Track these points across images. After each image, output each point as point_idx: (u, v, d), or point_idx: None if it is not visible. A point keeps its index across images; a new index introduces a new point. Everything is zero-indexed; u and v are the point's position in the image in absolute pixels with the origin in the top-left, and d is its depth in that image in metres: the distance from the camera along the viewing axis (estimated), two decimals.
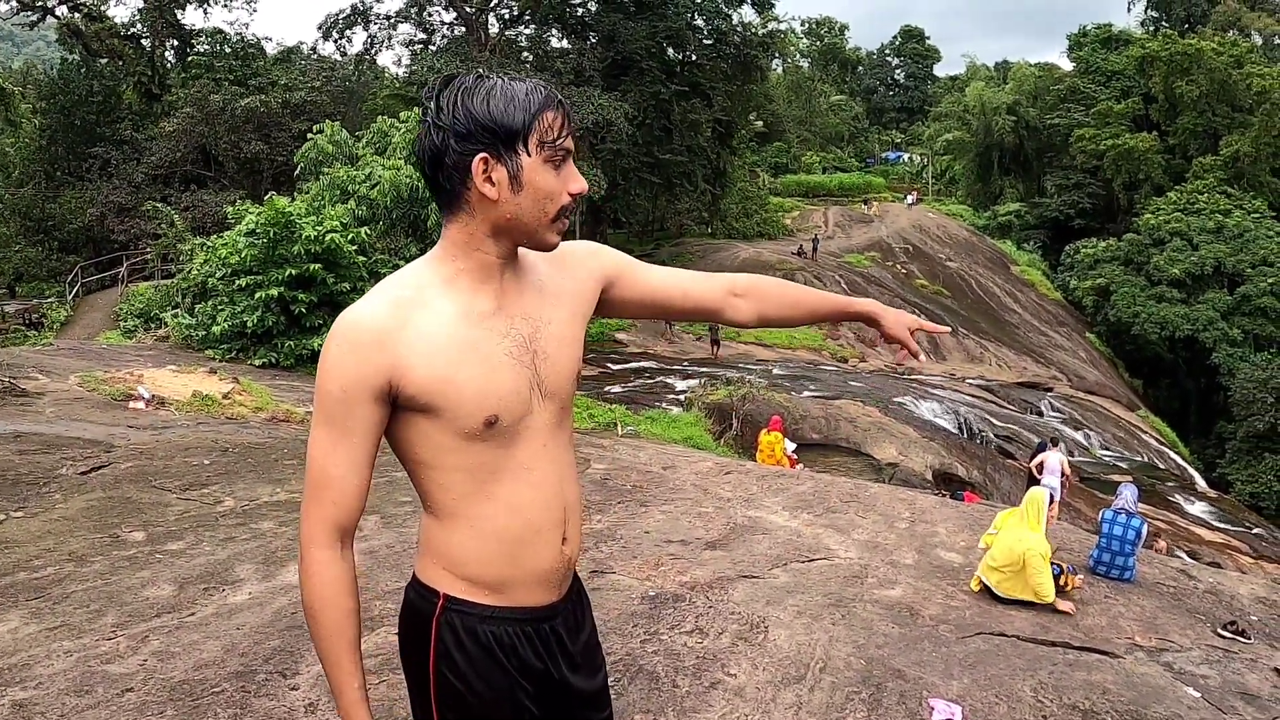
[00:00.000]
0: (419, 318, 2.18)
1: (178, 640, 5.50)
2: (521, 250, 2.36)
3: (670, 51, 52.44)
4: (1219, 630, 8.55)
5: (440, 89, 2.21)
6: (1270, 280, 59.29)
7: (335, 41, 52.48)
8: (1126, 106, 74.77)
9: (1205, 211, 64.16)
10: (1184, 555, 22.49)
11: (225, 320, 21.19)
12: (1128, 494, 10.06)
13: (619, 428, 20.60)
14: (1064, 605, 8.08)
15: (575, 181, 2.26)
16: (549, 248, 2.30)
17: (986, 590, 8.32)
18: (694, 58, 53.43)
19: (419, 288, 2.23)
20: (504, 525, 2.28)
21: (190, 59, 52.40)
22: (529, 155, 2.17)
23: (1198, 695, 6.91)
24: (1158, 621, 8.54)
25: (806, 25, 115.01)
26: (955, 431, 33.09)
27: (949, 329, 2.01)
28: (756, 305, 2.74)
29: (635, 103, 47.65)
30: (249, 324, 20.91)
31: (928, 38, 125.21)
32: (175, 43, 53.95)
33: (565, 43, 52.41)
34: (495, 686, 2.30)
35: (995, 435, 34.68)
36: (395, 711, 4.63)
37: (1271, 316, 58.91)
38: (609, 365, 35.83)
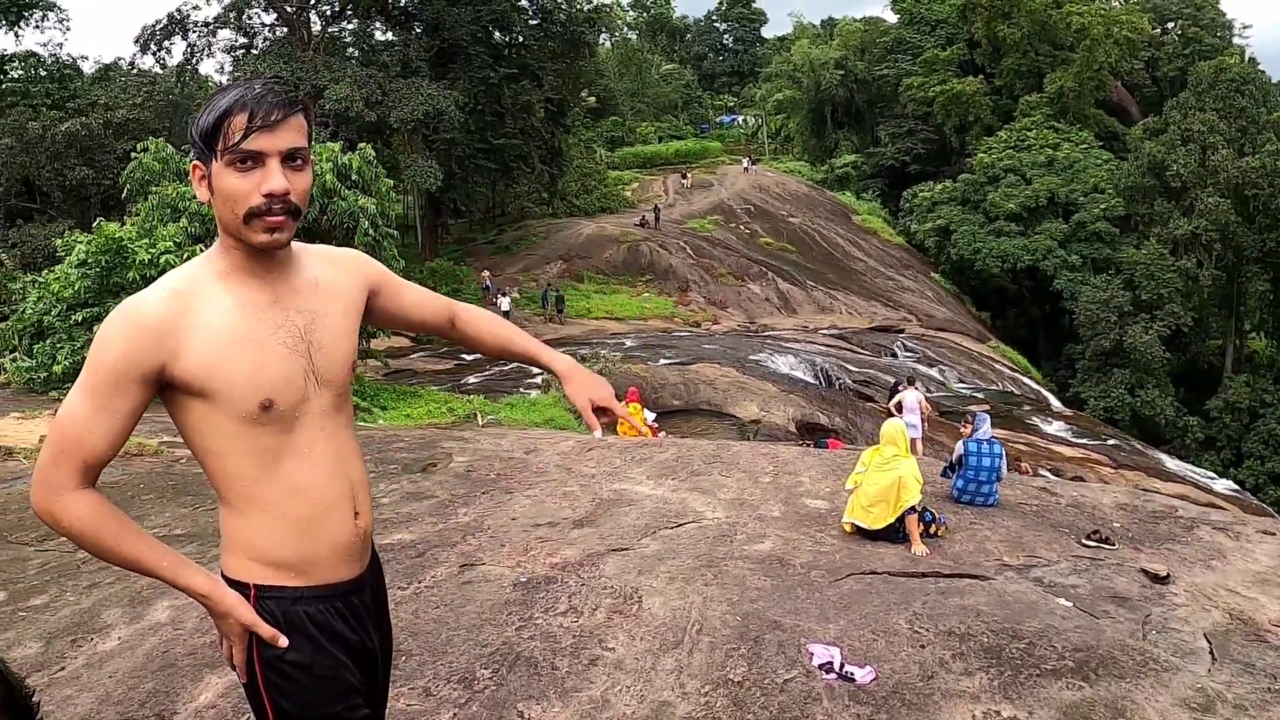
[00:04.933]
0: (198, 308, 2.31)
1: (50, 698, 5.31)
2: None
3: (497, 35, 51.94)
4: (1083, 541, 8.88)
5: None
6: (1102, 206, 61.66)
7: (154, 54, 50.46)
8: (952, 53, 77.23)
9: (1035, 147, 66.73)
10: (1048, 474, 23.13)
11: (66, 358, 20.43)
12: (985, 423, 10.32)
13: (479, 418, 20.47)
14: (919, 547, 8.26)
15: (269, 181, 2.26)
16: (262, 247, 2.33)
17: (858, 531, 8.48)
18: (521, 39, 52.97)
19: (196, 280, 2.36)
20: (295, 505, 2.41)
21: (4, 87, 50.47)
22: (217, 160, 2.28)
23: (1069, 605, 7.16)
24: (1024, 540, 8.83)
25: None
26: (814, 382, 33.65)
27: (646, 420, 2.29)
28: (468, 330, 2.91)
29: (465, 90, 47.27)
30: None
31: (754, 1, 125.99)
32: None
33: (390, 35, 51.60)
34: (319, 663, 2.42)
35: (853, 381, 35.33)
36: None
37: (1106, 240, 61.25)
38: (463, 356, 35.44)
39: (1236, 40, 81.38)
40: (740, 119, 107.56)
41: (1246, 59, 71.45)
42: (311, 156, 2.40)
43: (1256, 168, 54.64)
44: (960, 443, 10.42)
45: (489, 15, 49.52)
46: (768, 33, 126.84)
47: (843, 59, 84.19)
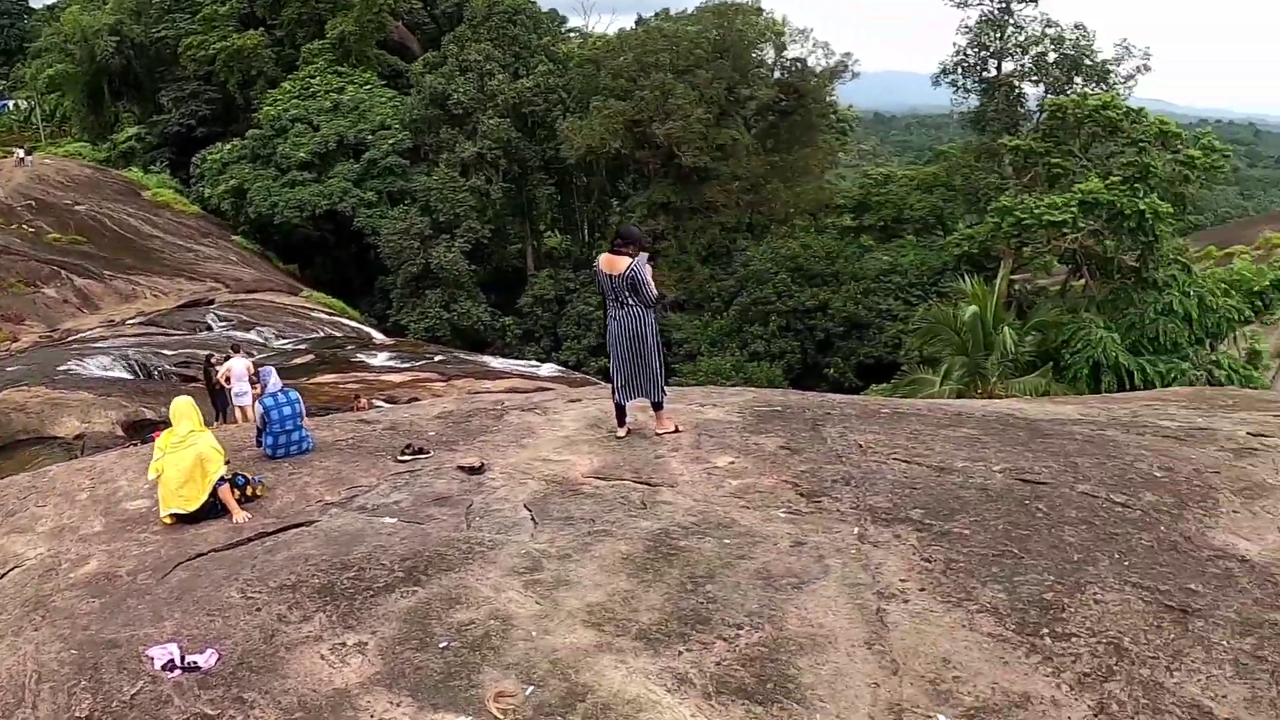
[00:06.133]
0: None
1: None
2: None
3: None
4: (398, 458, 9.71)
5: None
6: (391, 141, 65.00)
7: None
8: (231, 7, 76.88)
9: (321, 93, 69.04)
10: (383, 404, 24.02)
11: None
12: (272, 376, 10.84)
13: None
14: (240, 515, 8.49)
15: None
16: None
17: (178, 519, 8.53)
18: None
19: None
20: None
21: None
22: None
23: (394, 520, 7.88)
24: (343, 474, 9.42)
25: None
26: (131, 377, 32.83)
27: None
28: None
29: None
30: None
31: None
32: None
33: None
34: None
35: (172, 365, 34.78)
36: None
37: (399, 173, 64.62)
38: None
39: None
40: (11, 104, 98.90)
41: None
42: None
43: (531, 87, 61.42)
44: (257, 404, 10.86)
45: None
46: (36, 2, 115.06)
47: (117, 24, 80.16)
